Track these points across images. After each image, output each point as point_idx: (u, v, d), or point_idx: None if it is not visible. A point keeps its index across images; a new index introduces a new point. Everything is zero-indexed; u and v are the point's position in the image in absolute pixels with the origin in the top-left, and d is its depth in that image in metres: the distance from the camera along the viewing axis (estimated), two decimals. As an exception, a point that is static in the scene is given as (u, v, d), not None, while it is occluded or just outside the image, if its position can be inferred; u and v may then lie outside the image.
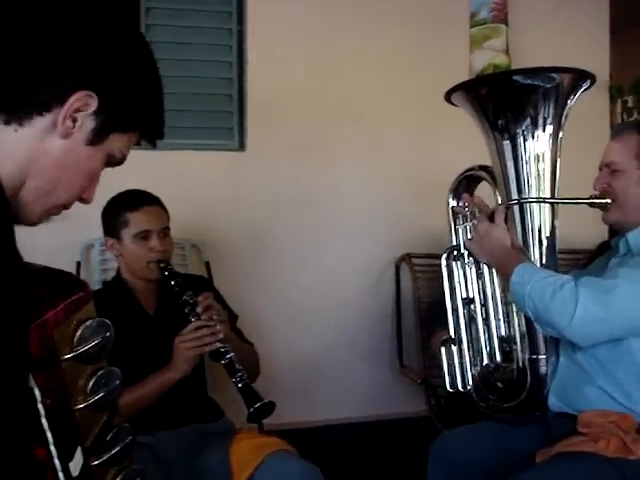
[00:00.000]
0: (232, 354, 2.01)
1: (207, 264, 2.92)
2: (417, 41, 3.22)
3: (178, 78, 2.95)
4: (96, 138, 0.91)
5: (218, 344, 2.00)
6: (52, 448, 0.72)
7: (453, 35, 3.27)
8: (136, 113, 0.95)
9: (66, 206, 0.97)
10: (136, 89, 0.94)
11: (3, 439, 0.65)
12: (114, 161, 0.97)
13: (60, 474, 0.74)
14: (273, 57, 3.04)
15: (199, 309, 2.04)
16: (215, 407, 2.25)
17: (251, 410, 1.95)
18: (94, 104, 0.88)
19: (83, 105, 0.88)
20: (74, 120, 0.88)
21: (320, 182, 3.13)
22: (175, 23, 3.01)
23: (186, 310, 2.05)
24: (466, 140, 2.11)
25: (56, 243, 2.42)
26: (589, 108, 3.12)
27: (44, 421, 0.72)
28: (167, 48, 2.97)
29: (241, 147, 3.08)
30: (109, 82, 0.90)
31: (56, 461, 0.73)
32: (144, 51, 0.96)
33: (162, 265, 2.11)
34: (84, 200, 0.98)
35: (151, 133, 1.01)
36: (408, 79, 3.19)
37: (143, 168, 2.73)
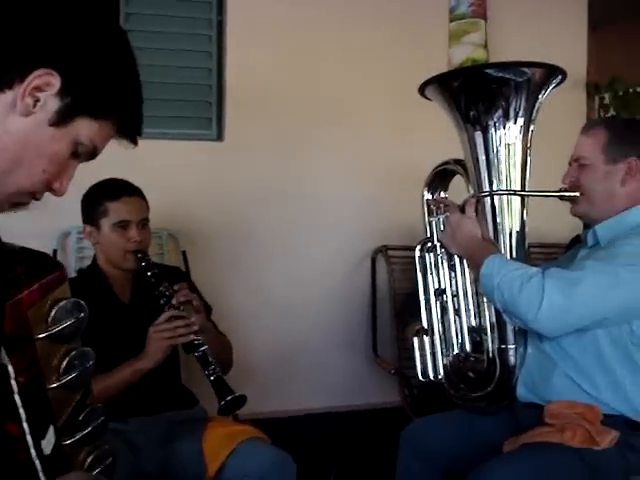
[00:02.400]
0: (206, 347, 2.01)
1: (184, 253, 2.92)
2: (396, 35, 3.23)
3: (157, 67, 2.95)
4: (60, 120, 0.89)
5: (192, 336, 2.01)
6: (25, 425, 0.73)
7: (432, 29, 3.29)
8: (106, 99, 0.93)
9: (35, 196, 0.94)
10: (106, 74, 0.92)
11: None
12: (84, 151, 0.94)
13: (32, 450, 0.74)
14: (253, 48, 3.04)
15: (174, 301, 2.05)
16: (189, 395, 2.26)
17: (222, 403, 1.95)
18: (57, 84, 0.87)
19: (44, 84, 0.86)
20: (37, 100, 0.86)
21: (297, 174, 3.14)
22: (155, 12, 3.01)
23: (162, 302, 2.06)
24: (442, 135, 2.12)
25: (33, 230, 2.37)
26: (566, 104, 3.15)
27: (17, 397, 0.73)
28: (147, 37, 2.97)
29: (219, 137, 3.08)
30: (74, 63, 0.88)
31: (28, 437, 0.73)
32: (118, 38, 0.95)
33: (139, 255, 2.11)
34: (55, 191, 0.95)
35: (126, 126, 0.98)
36: (387, 72, 3.20)
37: (120, 156, 2.75)
